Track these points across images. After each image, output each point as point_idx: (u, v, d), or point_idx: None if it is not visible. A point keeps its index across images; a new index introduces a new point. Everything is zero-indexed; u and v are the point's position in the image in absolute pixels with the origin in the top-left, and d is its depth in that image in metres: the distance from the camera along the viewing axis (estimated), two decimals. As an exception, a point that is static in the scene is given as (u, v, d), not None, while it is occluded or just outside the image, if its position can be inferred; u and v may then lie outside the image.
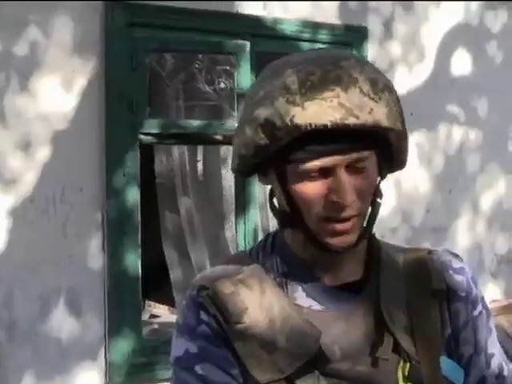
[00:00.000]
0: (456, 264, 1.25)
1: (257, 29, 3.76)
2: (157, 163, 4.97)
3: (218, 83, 4.77)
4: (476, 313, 1.24)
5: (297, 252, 1.20)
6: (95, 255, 3.41)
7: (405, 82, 4.15)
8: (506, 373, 1.27)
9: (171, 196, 4.95)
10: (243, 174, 1.22)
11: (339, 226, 1.11)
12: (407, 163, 1.24)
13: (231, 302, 1.14)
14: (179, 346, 1.18)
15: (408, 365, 1.16)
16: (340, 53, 1.17)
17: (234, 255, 1.43)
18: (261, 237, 3.49)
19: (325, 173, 1.10)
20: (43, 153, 3.32)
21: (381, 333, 1.16)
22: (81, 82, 3.39)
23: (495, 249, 4.53)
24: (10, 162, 3.27)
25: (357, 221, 1.13)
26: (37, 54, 3.30)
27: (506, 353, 1.33)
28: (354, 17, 4.04)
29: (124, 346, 3.44)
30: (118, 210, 3.43)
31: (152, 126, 3.55)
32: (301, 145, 1.08)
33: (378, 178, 1.17)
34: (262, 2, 3.79)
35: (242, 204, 3.77)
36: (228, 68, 4.46)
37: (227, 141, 3.68)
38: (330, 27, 3.95)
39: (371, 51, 4.07)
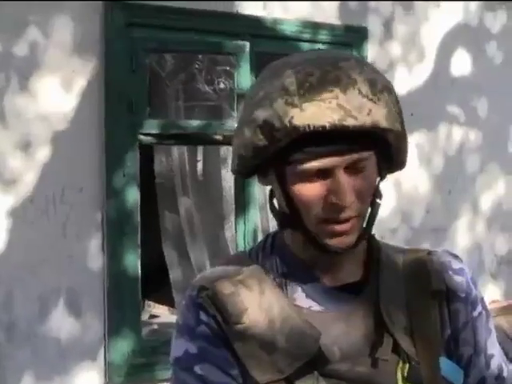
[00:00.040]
0: (456, 265, 1.25)
1: (257, 29, 3.76)
2: (156, 163, 4.97)
3: (218, 83, 4.77)
4: (475, 313, 1.24)
5: (296, 253, 1.20)
6: (95, 255, 3.41)
7: (405, 82, 4.15)
8: (505, 374, 1.27)
9: (171, 196, 4.95)
10: (243, 174, 1.22)
11: (338, 228, 1.11)
12: (407, 164, 1.24)
13: (231, 302, 1.15)
14: (179, 347, 1.18)
15: (407, 365, 1.16)
16: (340, 54, 1.17)
17: (233, 256, 1.43)
18: (260, 237, 3.49)
19: (324, 174, 1.10)
20: (43, 153, 3.32)
21: (380, 333, 1.16)
22: (80, 83, 3.39)
23: (495, 249, 4.53)
24: (10, 162, 3.27)
25: (356, 222, 1.13)
26: (36, 54, 3.30)
27: (506, 354, 1.33)
28: (353, 17, 4.04)
29: (124, 346, 3.44)
30: (117, 210, 3.43)
31: (152, 127, 3.55)
32: (300, 146, 1.08)
33: (378, 179, 1.17)
34: (262, 3, 3.79)
35: (242, 204, 3.77)
36: (228, 68, 4.46)
37: (227, 141, 3.68)
38: (330, 27, 3.95)
39: (371, 51, 4.07)
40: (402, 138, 1.16)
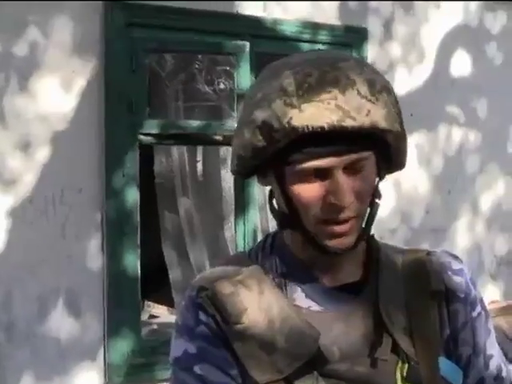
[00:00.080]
0: (455, 265, 1.25)
1: (257, 29, 3.76)
2: (156, 164, 4.97)
3: (218, 84, 4.77)
4: (475, 314, 1.24)
5: (296, 253, 1.20)
6: (94, 256, 3.41)
7: (404, 82, 4.15)
8: (504, 374, 1.28)
9: (171, 196, 4.95)
10: (242, 175, 1.22)
11: (337, 228, 1.12)
12: (406, 164, 1.24)
13: (230, 302, 1.15)
14: (178, 347, 1.18)
15: (407, 365, 1.16)
16: (339, 54, 1.17)
17: (233, 256, 1.43)
18: (260, 237, 3.49)
19: (322, 174, 1.10)
20: (43, 153, 3.32)
21: (380, 334, 1.16)
22: (80, 83, 3.38)
23: (494, 250, 4.53)
24: (10, 162, 3.27)
25: (355, 222, 1.13)
26: (36, 54, 3.30)
27: (505, 354, 1.33)
28: (353, 17, 4.04)
29: (123, 346, 3.44)
30: (117, 211, 3.43)
31: (151, 127, 3.55)
32: (298, 147, 1.08)
33: (377, 179, 1.17)
34: (262, 3, 3.79)
35: (242, 205, 3.77)
36: (228, 68, 4.46)
37: (227, 141, 3.68)
38: (330, 28, 3.95)
39: (371, 52, 4.08)
40: (401, 139, 1.16)
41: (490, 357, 1.25)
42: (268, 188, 1.21)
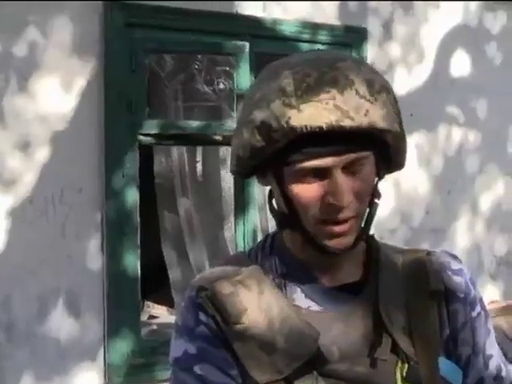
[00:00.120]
0: (454, 265, 1.25)
1: (256, 29, 3.76)
2: (156, 164, 4.97)
3: (218, 84, 4.77)
4: (474, 314, 1.24)
5: (295, 253, 1.20)
6: (94, 256, 3.41)
7: (404, 83, 4.15)
8: (504, 374, 1.28)
9: (170, 197, 4.95)
10: (241, 175, 1.22)
11: (336, 228, 1.12)
12: (406, 164, 1.24)
13: (230, 302, 1.15)
14: (178, 347, 1.18)
15: (406, 365, 1.16)
16: (338, 54, 1.17)
17: (232, 256, 1.43)
18: (260, 238, 3.49)
19: (321, 175, 1.10)
20: (42, 153, 3.32)
21: (379, 334, 1.16)
22: (80, 83, 3.38)
23: (494, 250, 4.53)
24: (9, 162, 3.27)
25: (354, 222, 1.13)
26: (36, 54, 3.30)
27: (505, 354, 1.33)
28: (353, 18, 4.04)
29: (123, 346, 3.44)
30: (117, 211, 3.43)
31: (151, 127, 3.55)
32: (297, 147, 1.08)
33: (376, 179, 1.17)
34: (262, 3, 3.79)
35: (241, 205, 3.77)
36: (227, 69, 4.46)
37: (226, 142, 3.68)
38: (330, 28, 3.95)
39: (371, 52, 4.08)
40: (400, 139, 1.16)
41: (489, 357, 1.25)
42: (268, 188, 1.21)
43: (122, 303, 3.43)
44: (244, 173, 1.20)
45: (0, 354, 3.24)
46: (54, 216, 3.33)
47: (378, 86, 1.10)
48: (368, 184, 1.13)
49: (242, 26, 3.73)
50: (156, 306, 5.30)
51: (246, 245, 3.72)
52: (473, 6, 4.43)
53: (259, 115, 1.10)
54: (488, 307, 1.32)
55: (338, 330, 1.15)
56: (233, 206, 4.07)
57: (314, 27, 3.91)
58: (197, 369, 1.15)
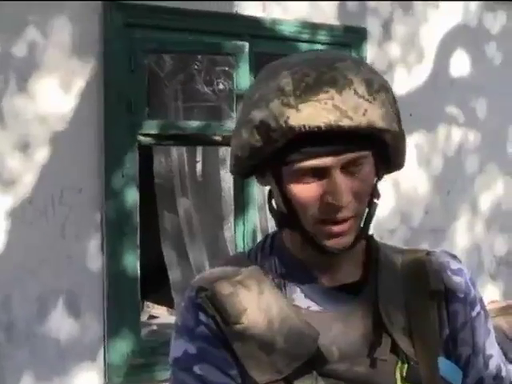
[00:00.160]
0: (454, 265, 1.25)
1: (256, 29, 3.76)
2: (156, 164, 4.97)
3: (217, 84, 4.77)
4: (474, 314, 1.24)
5: (295, 253, 1.20)
6: (94, 256, 3.41)
7: (404, 83, 4.15)
8: (503, 374, 1.28)
9: (170, 197, 4.95)
10: (241, 175, 1.22)
11: (335, 228, 1.12)
12: (406, 164, 1.24)
13: (230, 302, 1.15)
14: (178, 347, 1.18)
15: (406, 365, 1.16)
16: (337, 54, 1.16)
17: (232, 256, 1.43)
18: (259, 238, 3.49)
19: (320, 174, 1.10)
20: (42, 154, 3.32)
21: (379, 334, 1.16)
22: (79, 83, 3.38)
23: (494, 250, 4.53)
24: (9, 162, 3.27)
25: (353, 222, 1.13)
26: (35, 54, 3.30)
27: (505, 354, 1.33)
28: (352, 18, 4.04)
29: (123, 346, 3.44)
30: (116, 211, 3.43)
31: (151, 127, 3.55)
32: (296, 146, 1.08)
33: (375, 179, 1.17)
34: (261, 3, 3.79)
35: (241, 205, 3.77)
36: (227, 69, 4.46)
37: (226, 142, 3.67)
38: (329, 28, 3.95)
39: (370, 52, 4.08)
40: (399, 139, 1.16)
41: (489, 357, 1.25)
42: (267, 188, 1.21)
43: (121, 303, 3.43)
44: (243, 173, 1.20)
45: (0, 354, 3.24)
46: (53, 216, 3.33)
47: (377, 86, 1.10)
48: (367, 184, 1.13)
49: (241, 26, 3.73)
50: (156, 306, 5.30)
51: (245, 245, 3.72)
52: (472, 6, 4.43)
53: (258, 115, 1.10)
54: (488, 307, 1.32)
55: (338, 330, 1.15)
56: (232, 206, 4.07)
57: (314, 27, 3.91)
58: (196, 369, 1.15)
